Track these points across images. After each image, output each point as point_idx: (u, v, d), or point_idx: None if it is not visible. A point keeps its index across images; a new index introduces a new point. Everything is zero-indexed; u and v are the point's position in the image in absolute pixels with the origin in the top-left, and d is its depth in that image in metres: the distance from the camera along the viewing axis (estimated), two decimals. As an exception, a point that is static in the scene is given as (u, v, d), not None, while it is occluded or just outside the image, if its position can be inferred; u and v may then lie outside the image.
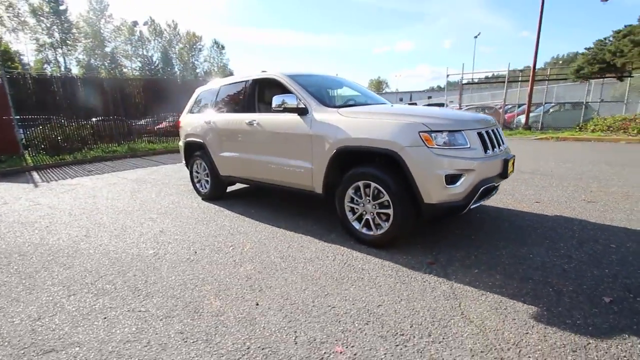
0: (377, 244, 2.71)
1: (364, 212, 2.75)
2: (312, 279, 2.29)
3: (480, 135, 2.53)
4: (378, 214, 2.66)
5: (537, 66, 13.06)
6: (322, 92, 3.39)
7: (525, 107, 14.50)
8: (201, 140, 4.30)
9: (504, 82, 15.52)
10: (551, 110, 15.39)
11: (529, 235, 2.89)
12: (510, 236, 2.88)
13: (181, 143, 4.88)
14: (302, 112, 3.07)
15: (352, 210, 2.85)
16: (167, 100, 12.45)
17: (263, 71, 3.84)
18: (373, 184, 2.60)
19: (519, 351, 1.56)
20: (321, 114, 2.96)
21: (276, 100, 3.08)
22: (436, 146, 2.35)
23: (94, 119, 10.99)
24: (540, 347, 1.58)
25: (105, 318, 1.95)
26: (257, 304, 2.02)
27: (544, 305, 1.90)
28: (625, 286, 2.05)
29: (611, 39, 11.36)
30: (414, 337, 1.68)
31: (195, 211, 4.06)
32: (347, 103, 3.39)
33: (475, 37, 37.93)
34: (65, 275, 2.51)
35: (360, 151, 2.69)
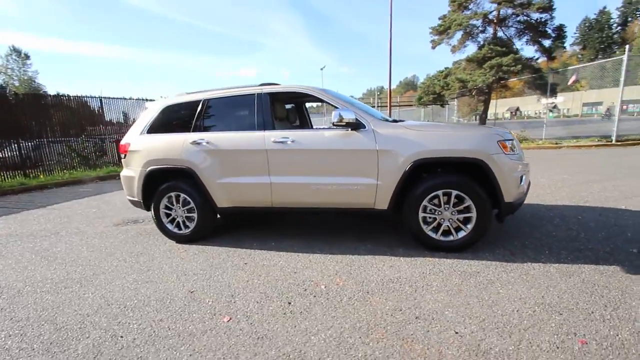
0: (456, 249, 2.86)
1: (442, 220, 2.87)
2: (457, 293, 2.23)
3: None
4: (457, 219, 2.83)
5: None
6: (364, 107, 3.31)
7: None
8: (185, 166, 3.35)
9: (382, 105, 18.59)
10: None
11: (539, 219, 3.64)
12: (526, 222, 3.55)
13: (132, 173, 3.62)
14: (358, 126, 2.93)
15: (424, 219, 2.91)
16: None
17: (273, 84, 3.42)
18: (455, 191, 2.76)
19: (658, 298, 2.06)
20: (386, 129, 2.91)
21: (335, 115, 2.83)
22: (509, 152, 2.75)
23: None
24: (660, 291, 2.13)
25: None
26: (456, 332, 1.83)
27: (620, 262, 2.52)
28: (628, 240, 2.95)
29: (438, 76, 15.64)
30: (603, 313, 1.93)
31: (194, 259, 3.11)
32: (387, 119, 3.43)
33: (322, 69, 43.60)
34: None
35: (439, 162, 2.81)
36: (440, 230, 2.88)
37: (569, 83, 14.66)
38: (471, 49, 17.85)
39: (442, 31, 14.40)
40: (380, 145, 2.87)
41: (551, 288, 2.22)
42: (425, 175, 2.96)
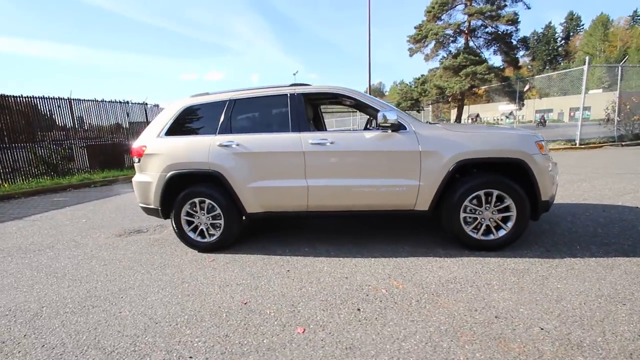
0: (497, 247, 2.93)
1: (482, 220, 2.93)
2: (520, 290, 2.28)
3: None
4: (497, 219, 2.91)
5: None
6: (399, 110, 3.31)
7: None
8: (213, 170, 3.15)
9: (352, 111, 18.85)
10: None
11: (554, 217, 3.80)
12: (543, 221, 3.66)
13: (149, 178, 3.34)
14: (398, 128, 2.93)
15: (465, 219, 2.96)
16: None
17: (303, 84, 3.33)
18: (496, 191, 2.84)
19: (698, 285, 2.24)
20: (428, 130, 2.94)
21: (380, 116, 2.82)
22: (544, 153, 2.89)
23: None
24: (696, 278, 2.32)
25: None
26: (542, 328, 1.86)
27: (643, 255, 2.72)
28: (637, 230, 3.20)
29: (414, 83, 16.28)
30: (662, 300, 2.07)
31: (229, 269, 2.92)
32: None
33: (294, 74, 43.47)
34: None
35: (482, 163, 2.87)
36: (482, 230, 2.94)
37: (524, 90, 15.88)
38: (442, 57, 18.81)
39: (420, 39, 15.05)
40: (423, 147, 2.88)
41: (602, 280, 2.34)
42: (458, 176, 3.02)
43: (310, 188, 3.06)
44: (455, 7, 15.37)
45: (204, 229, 3.32)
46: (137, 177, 3.46)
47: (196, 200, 3.26)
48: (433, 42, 16.56)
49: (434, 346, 1.76)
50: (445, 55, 16.56)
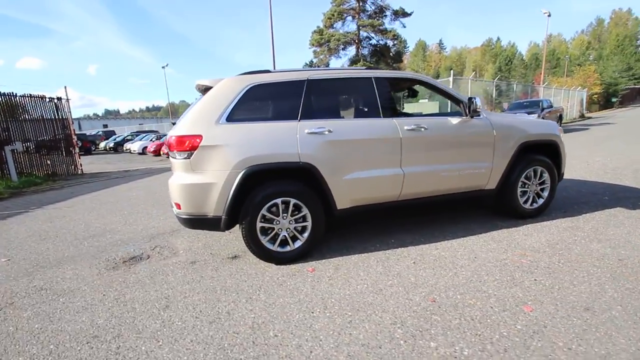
0: (537, 214, 3.58)
1: (529, 193, 3.52)
2: (596, 240, 2.88)
3: None
4: (540, 190, 3.55)
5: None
6: None
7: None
8: (304, 162, 2.62)
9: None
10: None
11: None
12: None
13: (210, 178, 2.49)
14: (475, 114, 3.18)
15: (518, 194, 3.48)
16: None
17: (378, 68, 3.17)
18: (540, 168, 3.47)
19: (664, 219, 3.38)
20: (495, 117, 3.30)
21: (476, 103, 3.00)
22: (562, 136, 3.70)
23: None
24: (657, 216, 3.49)
25: None
26: (655, 261, 2.45)
27: (621, 203, 3.87)
28: (599, 194, 4.49)
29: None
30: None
31: (352, 276, 2.54)
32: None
33: (163, 67, 38.43)
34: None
35: (534, 144, 3.41)
36: (530, 201, 3.52)
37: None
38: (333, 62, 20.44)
39: (322, 43, 15.91)
40: (496, 131, 3.23)
41: (623, 224, 3.19)
42: None
43: (406, 176, 2.96)
44: (346, 18, 17.04)
45: (288, 236, 2.73)
46: (186, 179, 2.52)
47: (278, 200, 2.64)
48: (327, 48, 17.86)
49: (630, 289, 2.08)
50: (335, 60, 18.20)
